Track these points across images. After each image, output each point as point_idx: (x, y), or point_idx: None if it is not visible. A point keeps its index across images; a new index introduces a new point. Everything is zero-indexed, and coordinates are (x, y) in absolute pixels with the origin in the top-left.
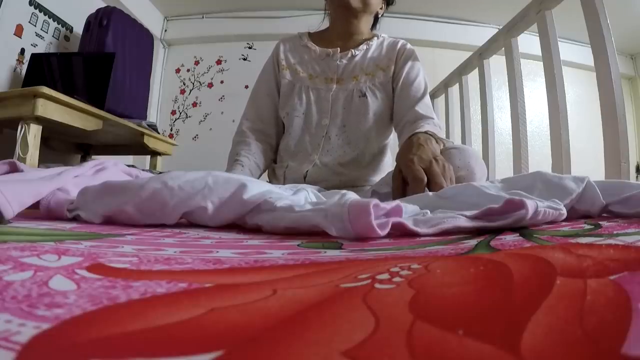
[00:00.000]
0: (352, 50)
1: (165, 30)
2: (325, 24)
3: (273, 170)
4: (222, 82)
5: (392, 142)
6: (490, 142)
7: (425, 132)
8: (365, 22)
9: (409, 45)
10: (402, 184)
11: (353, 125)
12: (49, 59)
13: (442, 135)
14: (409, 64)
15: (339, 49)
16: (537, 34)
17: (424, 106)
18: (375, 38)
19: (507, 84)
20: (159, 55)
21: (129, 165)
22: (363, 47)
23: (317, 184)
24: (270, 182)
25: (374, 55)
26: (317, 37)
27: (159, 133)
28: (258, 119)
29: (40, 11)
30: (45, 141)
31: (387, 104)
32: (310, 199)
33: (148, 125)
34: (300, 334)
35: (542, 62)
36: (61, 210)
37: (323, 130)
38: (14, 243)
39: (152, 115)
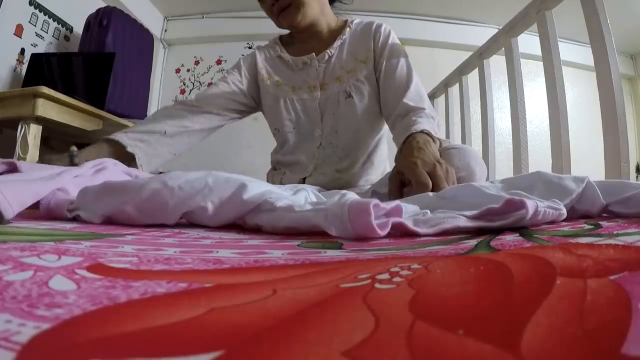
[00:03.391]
0: (328, 51)
1: (165, 30)
2: None
3: (272, 176)
4: None
5: (387, 134)
6: (490, 142)
7: (422, 132)
8: (318, 17)
9: (383, 27)
10: (400, 186)
11: (344, 128)
12: (49, 59)
13: (437, 124)
14: (387, 51)
15: (314, 54)
16: (537, 34)
17: (412, 95)
18: (348, 28)
19: (507, 84)
20: (159, 55)
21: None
22: (337, 43)
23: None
24: None
25: (350, 48)
26: (289, 41)
27: None
28: (204, 97)
29: (40, 11)
30: (45, 141)
31: (374, 97)
32: (310, 199)
33: None
34: (300, 334)
35: (542, 62)
36: (61, 211)
37: (317, 141)
38: (14, 243)
39: None
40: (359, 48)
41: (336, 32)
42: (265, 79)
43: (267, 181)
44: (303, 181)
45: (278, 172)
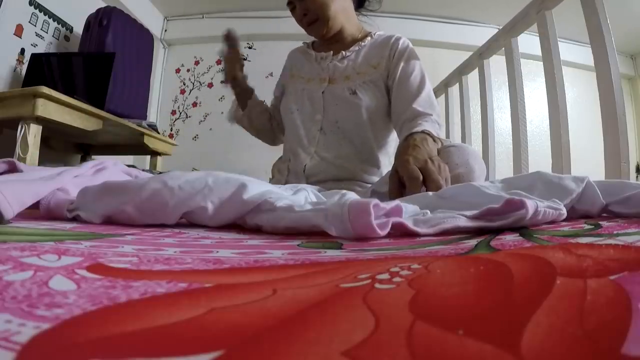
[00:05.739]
0: (343, 52)
1: (165, 30)
2: None
3: (277, 165)
4: (222, 82)
5: (396, 146)
6: (490, 142)
7: (422, 132)
8: (344, 27)
9: (402, 40)
10: (399, 185)
11: (346, 120)
12: (49, 59)
13: (441, 130)
14: (404, 59)
15: (332, 52)
16: (537, 34)
17: (422, 101)
18: (369, 37)
19: (507, 84)
20: (159, 55)
21: (129, 165)
22: (355, 48)
23: (316, 176)
24: (274, 177)
25: (366, 54)
26: (318, 42)
27: (159, 133)
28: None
29: (40, 11)
30: (45, 141)
31: (380, 100)
32: (310, 199)
33: (148, 125)
34: (300, 333)
35: (542, 62)
36: (61, 211)
37: (317, 125)
38: (14, 243)
39: (152, 115)
40: (374, 55)
41: (358, 40)
42: (292, 78)
43: (272, 173)
44: (304, 168)
45: (284, 161)
